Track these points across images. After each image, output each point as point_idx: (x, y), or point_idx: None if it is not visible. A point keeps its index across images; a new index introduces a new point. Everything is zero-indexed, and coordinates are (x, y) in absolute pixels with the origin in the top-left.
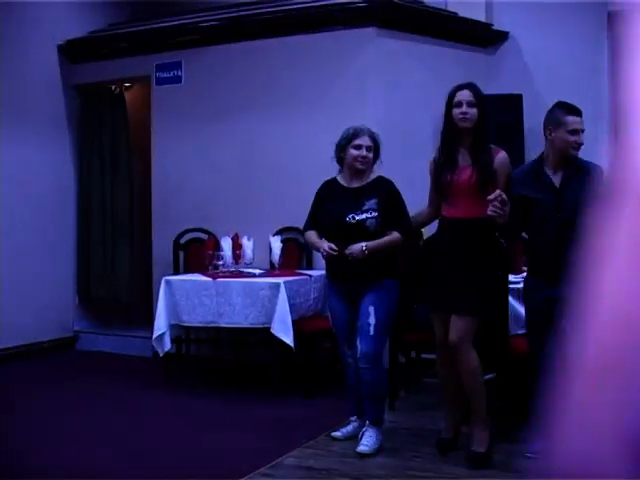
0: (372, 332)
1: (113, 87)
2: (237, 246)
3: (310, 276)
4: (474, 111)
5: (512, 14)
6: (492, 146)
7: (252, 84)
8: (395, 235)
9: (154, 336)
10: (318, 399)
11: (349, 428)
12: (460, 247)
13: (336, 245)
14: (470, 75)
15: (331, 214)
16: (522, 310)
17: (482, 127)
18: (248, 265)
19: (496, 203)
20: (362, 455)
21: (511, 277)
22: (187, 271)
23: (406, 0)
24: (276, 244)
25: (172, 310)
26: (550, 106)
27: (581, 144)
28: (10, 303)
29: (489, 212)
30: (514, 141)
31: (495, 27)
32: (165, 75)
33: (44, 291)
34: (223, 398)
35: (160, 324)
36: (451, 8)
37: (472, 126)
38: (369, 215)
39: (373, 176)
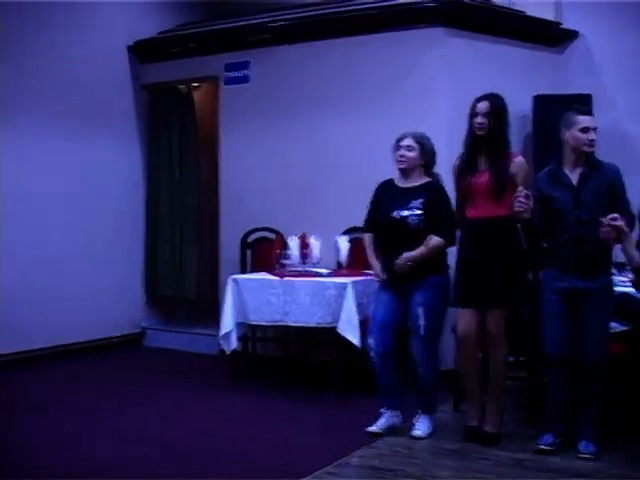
0: (422, 332)
1: (182, 87)
2: (304, 245)
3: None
4: (487, 121)
5: (581, 13)
6: (512, 151)
7: (319, 84)
8: (436, 240)
9: (221, 334)
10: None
11: (382, 421)
12: (483, 245)
13: (383, 241)
14: (538, 74)
15: (382, 210)
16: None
17: (499, 135)
18: (315, 265)
19: (520, 198)
20: (416, 438)
21: None
22: (254, 270)
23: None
24: (343, 244)
25: (239, 308)
26: (619, 106)
27: (593, 140)
28: (82, 299)
29: (515, 207)
30: None
31: (564, 26)
32: (233, 75)
33: (114, 288)
34: (288, 396)
35: (227, 322)
36: (519, 7)
37: (488, 134)
38: (413, 213)
39: (426, 179)
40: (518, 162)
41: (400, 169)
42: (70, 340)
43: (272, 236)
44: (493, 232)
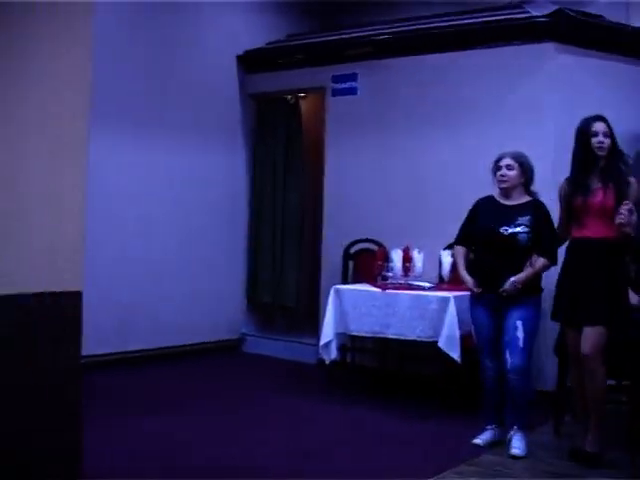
0: (522, 345)
1: (289, 97)
2: (407, 258)
3: None
4: (609, 141)
5: None
6: (624, 169)
7: (427, 98)
8: (542, 261)
9: (321, 343)
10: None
11: (488, 435)
12: (589, 264)
13: (485, 256)
14: None
15: (485, 226)
16: None
17: (616, 156)
18: (417, 278)
19: (623, 211)
20: (515, 457)
21: None
22: (355, 281)
23: (585, 15)
24: (446, 258)
25: (340, 318)
26: None
27: None
28: (186, 304)
29: (617, 220)
30: None
31: None
32: (341, 86)
33: (215, 294)
34: (386, 409)
35: (328, 332)
36: (633, 23)
37: (607, 154)
38: (521, 230)
39: (528, 197)
40: (634, 182)
41: (501, 188)
42: (170, 343)
43: (374, 248)
44: (601, 252)
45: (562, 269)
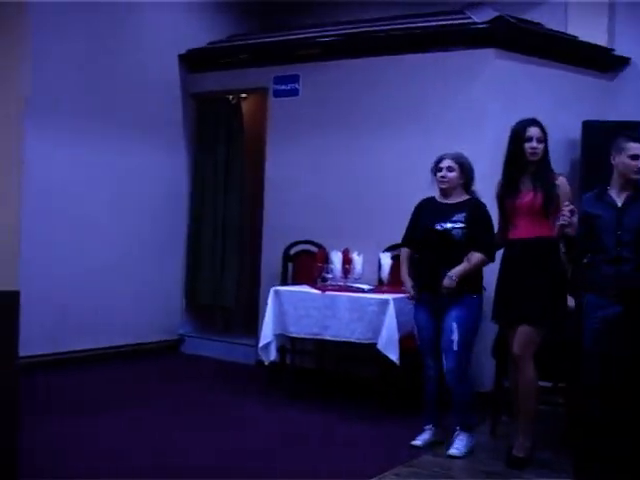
0: (456, 347)
1: (230, 97)
2: (347, 260)
3: None
4: (542, 147)
5: (634, 39)
6: (556, 172)
7: (368, 101)
8: (477, 257)
9: (260, 344)
10: (420, 417)
11: (425, 436)
12: (523, 264)
13: (424, 254)
14: (588, 100)
15: (422, 225)
16: None
17: (548, 158)
18: (357, 280)
19: (566, 212)
20: (452, 457)
21: None
22: (295, 282)
23: (524, 22)
24: (386, 260)
25: (279, 320)
26: None
27: (638, 170)
28: (124, 304)
29: (560, 221)
30: None
31: (616, 52)
32: (283, 88)
33: (154, 294)
34: (324, 411)
35: (267, 333)
36: (571, 31)
37: (540, 158)
38: (456, 226)
39: (467, 196)
40: (562, 182)
41: (441, 189)
42: (108, 344)
43: (314, 250)
44: (532, 252)
45: (500, 270)
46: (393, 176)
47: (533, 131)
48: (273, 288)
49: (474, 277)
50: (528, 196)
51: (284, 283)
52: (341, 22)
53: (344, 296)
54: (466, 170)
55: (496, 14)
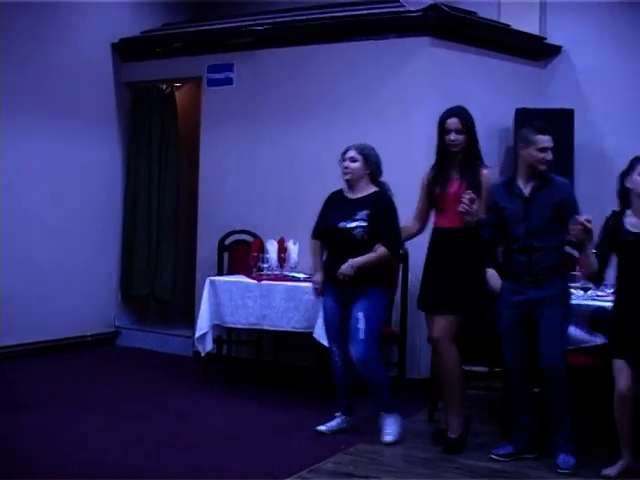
0: (362, 336)
1: (164, 86)
2: (282, 250)
3: None
4: (462, 137)
5: (566, 28)
6: (479, 163)
7: (302, 89)
8: (381, 250)
9: (196, 335)
10: (358, 405)
11: (333, 423)
12: (446, 253)
13: (331, 251)
14: (521, 88)
15: (328, 221)
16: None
17: (472, 148)
18: (293, 269)
19: (465, 200)
20: (388, 444)
21: None
22: (231, 272)
23: (459, 10)
24: None
25: (215, 310)
26: (601, 121)
27: (549, 160)
28: (56, 297)
29: (459, 208)
30: (564, 156)
31: (548, 41)
32: (216, 77)
33: (88, 286)
34: (262, 400)
35: (203, 324)
36: (504, 20)
37: (461, 150)
38: (357, 225)
39: (373, 189)
40: (486, 174)
41: (345, 180)
42: (43, 338)
43: (250, 239)
44: (455, 241)
45: (425, 257)
46: (327, 165)
47: (450, 122)
48: (208, 278)
49: (381, 271)
50: (454, 186)
51: (220, 273)
52: (275, 10)
53: (280, 285)
54: (371, 161)
55: (430, 2)
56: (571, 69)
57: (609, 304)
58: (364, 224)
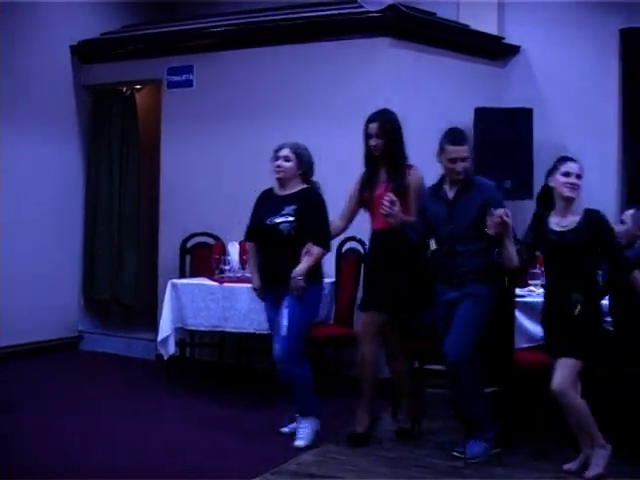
0: (284, 333)
1: (124, 89)
2: (244, 251)
3: None
4: (381, 142)
5: (524, 28)
6: (409, 164)
7: (263, 90)
8: (316, 250)
9: (159, 339)
10: (325, 406)
11: (294, 424)
12: (381, 253)
13: (262, 250)
14: (480, 87)
15: (257, 217)
16: (527, 324)
17: (394, 151)
18: None
19: (385, 202)
20: (300, 449)
21: (517, 290)
22: (193, 275)
23: (418, 11)
24: None
25: (177, 313)
26: (559, 120)
27: (459, 172)
28: (17, 302)
29: (381, 210)
30: (523, 154)
31: (506, 41)
32: (177, 79)
33: (50, 290)
34: (226, 402)
35: (165, 327)
36: (463, 20)
37: (383, 153)
38: (284, 219)
39: (303, 186)
40: (413, 175)
41: (278, 179)
42: (5, 343)
43: (211, 242)
44: (384, 242)
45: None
46: None
47: (371, 128)
48: (170, 281)
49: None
50: (380, 189)
51: (182, 276)
52: (234, 12)
53: (242, 287)
54: (304, 161)
55: (389, 3)
56: (529, 68)
57: None
58: (291, 219)
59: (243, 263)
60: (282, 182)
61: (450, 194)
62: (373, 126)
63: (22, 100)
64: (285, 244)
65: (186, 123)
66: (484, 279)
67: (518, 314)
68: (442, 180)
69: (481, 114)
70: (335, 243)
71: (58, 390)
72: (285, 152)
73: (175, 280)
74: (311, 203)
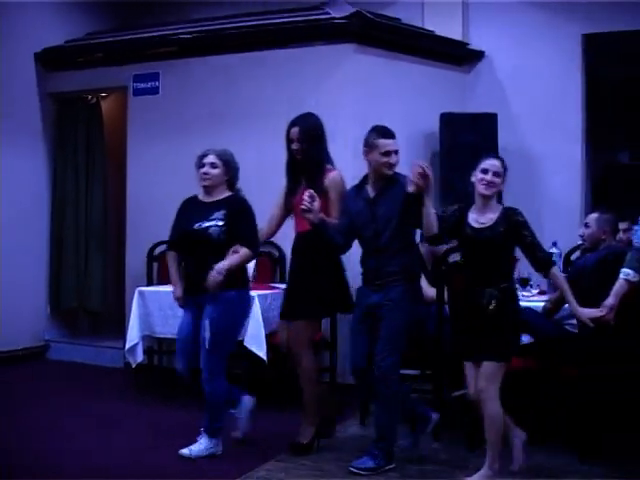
0: (207, 346)
1: (89, 97)
2: None
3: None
4: (299, 146)
5: (488, 33)
6: (328, 166)
7: (229, 97)
8: (244, 251)
9: (127, 347)
10: (290, 413)
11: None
12: (301, 257)
13: (187, 257)
14: (446, 93)
15: (183, 223)
16: None
17: (313, 155)
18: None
19: (306, 198)
20: (183, 457)
21: None
22: (160, 283)
23: (383, 17)
24: None
25: (145, 321)
26: (523, 125)
27: (393, 164)
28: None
29: (300, 207)
30: None
31: (471, 46)
32: (142, 86)
33: (15, 299)
34: (194, 410)
35: (133, 335)
36: (428, 26)
37: (304, 158)
38: (214, 224)
39: (229, 193)
40: (331, 177)
41: (204, 186)
42: None
43: None
44: (306, 246)
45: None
46: (254, 174)
47: (292, 132)
48: (137, 289)
49: (236, 272)
50: (302, 193)
51: (149, 284)
52: (200, 19)
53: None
54: (231, 168)
55: (354, 10)
56: (494, 73)
57: (535, 304)
58: (220, 223)
59: None
60: (208, 189)
61: (372, 193)
62: (295, 130)
63: None
64: (213, 249)
65: (152, 130)
66: (407, 280)
67: None
68: (364, 180)
69: (447, 119)
70: None
71: (23, 400)
72: (211, 159)
73: (142, 288)
74: (240, 208)
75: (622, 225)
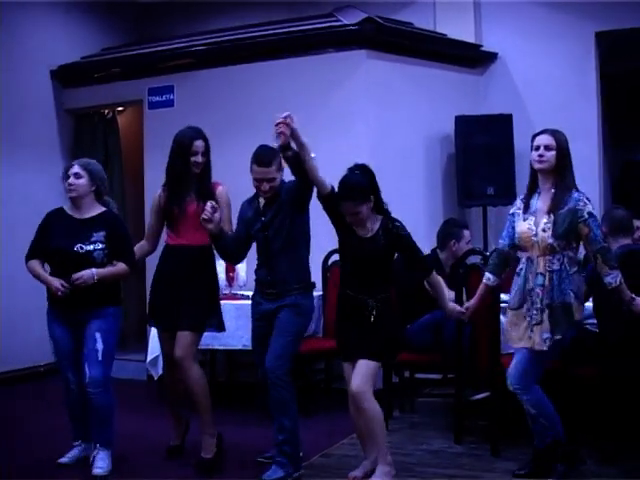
0: (100, 357)
1: (106, 111)
2: (230, 269)
3: None
4: (204, 159)
5: (501, 35)
6: (214, 181)
7: (244, 108)
8: (121, 266)
9: (148, 359)
10: (310, 420)
11: (75, 452)
12: (183, 270)
13: (61, 275)
14: (460, 95)
15: (58, 243)
16: None
17: (210, 168)
18: (242, 287)
19: (207, 208)
20: (97, 478)
21: (502, 296)
22: None
23: (395, 22)
24: None
25: None
26: (538, 126)
27: (266, 191)
28: (10, 327)
29: (202, 216)
30: (504, 161)
31: (484, 48)
32: (157, 99)
33: (40, 315)
34: (216, 420)
35: (154, 347)
36: (440, 29)
37: (203, 171)
38: (97, 247)
39: (101, 208)
40: (220, 191)
41: (71, 198)
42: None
43: None
44: (196, 259)
45: (156, 274)
46: None
47: (196, 145)
48: None
49: (113, 290)
50: (193, 206)
51: None
52: (213, 30)
53: (229, 304)
54: (96, 177)
55: (365, 15)
56: (508, 75)
57: None
58: (102, 246)
59: (230, 280)
60: (76, 202)
61: (262, 203)
62: (200, 144)
63: (3, 126)
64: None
65: (168, 143)
66: (299, 290)
67: (503, 319)
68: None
69: (461, 122)
70: (320, 256)
71: (48, 413)
72: (75, 169)
73: None
74: (118, 228)
75: (637, 223)
